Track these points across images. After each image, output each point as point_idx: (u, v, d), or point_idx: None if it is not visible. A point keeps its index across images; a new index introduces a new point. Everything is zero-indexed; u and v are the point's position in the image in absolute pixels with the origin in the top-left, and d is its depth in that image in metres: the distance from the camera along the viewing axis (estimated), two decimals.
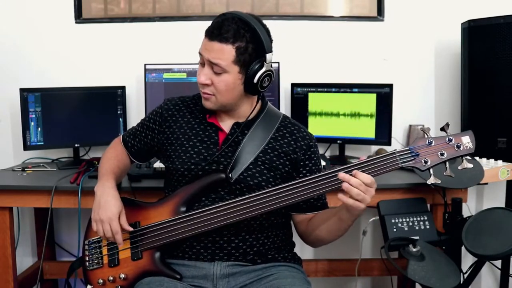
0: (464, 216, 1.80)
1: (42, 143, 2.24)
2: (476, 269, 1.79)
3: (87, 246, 1.45)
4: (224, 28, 1.28)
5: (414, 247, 1.63)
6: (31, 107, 2.20)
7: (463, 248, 1.69)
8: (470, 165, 1.20)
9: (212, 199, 1.36)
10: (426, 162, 1.20)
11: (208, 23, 1.34)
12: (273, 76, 1.37)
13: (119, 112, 2.34)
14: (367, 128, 2.26)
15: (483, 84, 2.14)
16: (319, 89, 2.31)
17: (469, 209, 2.22)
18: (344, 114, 2.29)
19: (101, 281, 1.39)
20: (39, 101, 2.21)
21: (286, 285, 1.29)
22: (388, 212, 1.81)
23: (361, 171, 1.20)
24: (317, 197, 1.41)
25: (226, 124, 1.42)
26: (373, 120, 2.25)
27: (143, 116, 2.31)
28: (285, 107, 2.42)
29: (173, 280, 1.32)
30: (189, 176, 1.38)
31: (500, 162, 1.93)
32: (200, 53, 1.34)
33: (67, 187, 1.87)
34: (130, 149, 1.58)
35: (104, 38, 2.46)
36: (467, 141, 1.20)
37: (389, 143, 2.25)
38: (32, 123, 2.21)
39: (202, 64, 1.35)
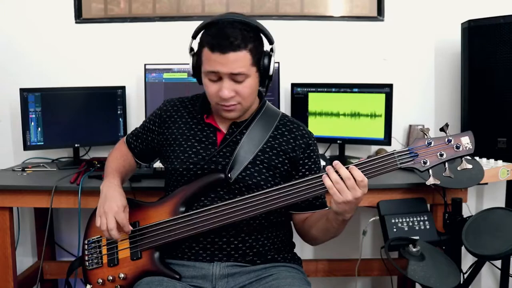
0: (464, 216, 1.80)
1: (42, 143, 2.24)
2: (476, 269, 1.78)
3: (86, 245, 1.45)
4: (231, 36, 1.25)
5: (414, 247, 1.63)
6: (31, 107, 2.20)
7: (463, 248, 1.69)
8: (470, 166, 1.19)
9: (211, 198, 1.36)
10: (425, 162, 1.20)
11: None
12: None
13: (119, 112, 2.34)
14: (367, 128, 2.26)
15: (483, 84, 2.14)
16: (319, 89, 2.31)
17: (469, 209, 2.22)
18: (344, 114, 2.29)
19: (101, 280, 1.39)
20: (39, 101, 2.21)
21: (286, 286, 1.29)
22: (388, 212, 1.81)
23: (361, 170, 1.19)
24: (315, 196, 1.40)
25: (224, 124, 1.43)
26: (374, 120, 2.25)
27: (143, 116, 2.33)
28: (285, 107, 2.42)
29: (173, 280, 1.32)
30: (187, 176, 1.39)
31: (500, 162, 1.93)
32: (211, 71, 1.29)
33: (67, 187, 1.87)
34: (133, 150, 1.59)
35: (104, 38, 2.46)
36: (466, 141, 1.20)
37: (389, 143, 2.25)
38: (32, 123, 2.21)
39: (212, 77, 1.31)
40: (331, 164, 2.03)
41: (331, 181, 1.18)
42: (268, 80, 1.37)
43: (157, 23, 2.45)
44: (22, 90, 2.18)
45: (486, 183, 1.94)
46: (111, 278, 1.38)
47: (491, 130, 2.09)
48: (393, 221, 1.79)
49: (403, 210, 1.82)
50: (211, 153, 1.39)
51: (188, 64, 1.40)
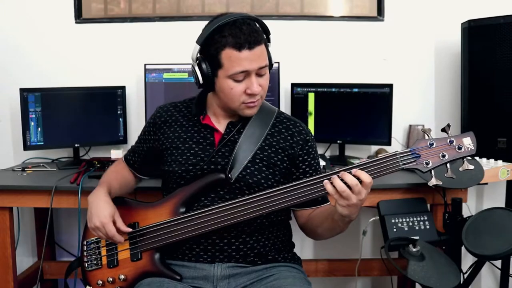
0: (464, 216, 1.80)
1: (42, 143, 2.24)
2: (476, 269, 1.79)
3: (85, 246, 1.45)
4: (253, 32, 1.27)
5: (414, 247, 1.63)
6: (31, 107, 2.20)
7: (463, 248, 1.69)
8: (472, 167, 1.20)
9: (211, 198, 1.36)
10: (427, 163, 1.20)
11: None
12: None
13: (119, 112, 2.34)
14: (367, 128, 2.26)
15: (483, 84, 2.14)
16: (319, 89, 2.31)
17: (469, 209, 2.22)
18: (344, 114, 2.29)
19: (100, 282, 1.39)
20: (39, 101, 2.21)
21: (287, 285, 1.29)
22: (388, 212, 1.81)
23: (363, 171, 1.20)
24: None
25: (221, 124, 1.42)
26: (374, 120, 2.25)
27: (143, 116, 2.33)
28: (285, 107, 2.42)
29: (173, 281, 1.32)
30: (187, 178, 1.38)
31: (500, 162, 1.93)
32: (241, 72, 1.27)
33: (67, 187, 1.87)
34: (132, 166, 1.59)
35: (104, 38, 2.46)
36: (468, 142, 1.20)
37: (389, 143, 2.25)
38: (32, 123, 2.21)
39: (239, 80, 1.29)
40: (331, 164, 2.04)
41: (336, 188, 1.17)
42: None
43: (157, 23, 2.45)
44: (22, 90, 2.18)
45: (486, 183, 1.94)
46: (111, 279, 1.38)
47: (491, 130, 2.09)
48: (393, 221, 1.79)
49: (403, 210, 1.82)
50: (209, 154, 1.38)
51: (188, 64, 1.39)
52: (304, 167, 1.43)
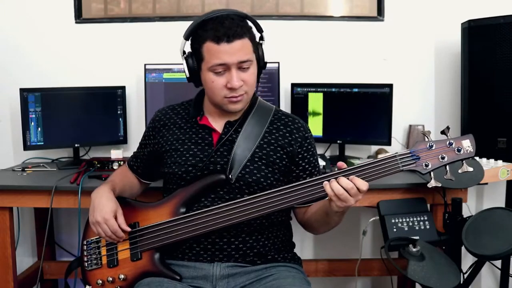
0: (464, 216, 1.80)
1: (42, 143, 2.24)
2: (476, 269, 1.79)
3: (85, 246, 1.45)
4: (232, 26, 1.28)
5: (414, 247, 1.63)
6: (31, 107, 2.20)
7: (463, 248, 1.69)
8: (471, 169, 1.20)
9: (211, 199, 1.36)
10: (427, 165, 1.21)
11: None
12: None
13: (119, 112, 2.34)
14: (367, 128, 2.26)
15: (483, 84, 2.14)
16: (319, 89, 2.31)
17: (469, 209, 2.22)
18: (344, 114, 2.29)
19: (100, 281, 1.39)
20: (39, 101, 2.21)
21: (286, 285, 1.29)
22: (388, 212, 1.81)
23: (363, 173, 1.20)
24: None
25: (218, 124, 1.42)
26: (373, 120, 2.25)
27: (143, 116, 2.33)
28: (285, 107, 2.42)
29: (173, 281, 1.32)
30: (187, 179, 1.38)
31: (500, 162, 1.93)
32: (218, 64, 1.29)
33: (67, 187, 1.87)
34: (136, 171, 1.60)
35: (104, 38, 2.46)
36: (467, 144, 1.21)
37: (389, 143, 2.25)
38: (32, 123, 2.21)
39: (219, 72, 1.31)
40: (331, 164, 2.05)
41: (333, 191, 1.18)
42: (263, 69, 1.41)
43: (157, 23, 2.45)
44: (22, 90, 2.18)
45: (486, 183, 1.94)
46: (110, 279, 1.38)
47: (491, 130, 2.09)
48: (393, 221, 1.79)
49: (403, 210, 1.82)
50: (208, 154, 1.38)
51: (183, 66, 1.40)
52: (303, 164, 1.43)
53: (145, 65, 2.30)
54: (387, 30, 2.46)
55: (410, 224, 1.79)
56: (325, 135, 2.32)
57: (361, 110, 2.26)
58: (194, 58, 1.36)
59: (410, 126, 2.41)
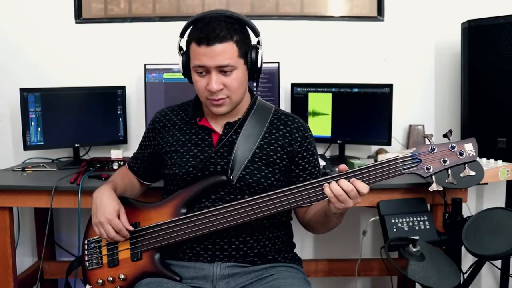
0: (464, 216, 1.80)
1: (42, 143, 2.24)
2: (476, 269, 1.78)
3: (86, 245, 1.45)
4: (216, 28, 1.28)
5: (414, 247, 1.63)
6: (31, 107, 2.20)
7: (463, 248, 1.69)
8: (473, 173, 1.20)
9: (212, 199, 1.36)
10: (428, 169, 1.20)
11: None
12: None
13: (119, 112, 2.34)
14: (367, 128, 2.26)
15: (483, 84, 2.14)
16: (319, 89, 2.31)
17: (469, 209, 2.22)
18: (344, 114, 2.29)
19: (100, 281, 1.39)
20: (39, 101, 2.21)
21: (286, 286, 1.29)
22: (388, 212, 1.81)
23: (364, 176, 1.20)
24: None
25: (218, 125, 1.42)
26: (373, 120, 2.25)
27: (143, 116, 2.33)
28: (285, 107, 2.42)
29: (173, 282, 1.32)
30: (187, 180, 1.38)
31: (500, 162, 1.93)
32: (198, 65, 1.31)
33: (67, 187, 1.87)
34: (137, 172, 1.60)
35: (104, 38, 2.46)
36: (470, 148, 1.20)
37: (389, 143, 2.25)
38: (32, 123, 2.21)
39: (201, 73, 1.33)
40: (331, 164, 2.05)
41: (332, 192, 1.19)
42: (257, 74, 1.39)
43: (157, 23, 2.45)
44: (22, 90, 2.18)
45: (486, 183, 1.94)
46: (111, 278, 1.38)
47: (491, 130, 2.09)
48: (393, 221, 1.79)
49: (403, 210, 1.82)
50: (208, 155, 1.38)
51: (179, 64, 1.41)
52: (303, 163, 1.43)
53: (145, 65, 2.30)
54: (387, 30, 2.46)
55: (410, 224, 1.79)
56: (325, 135, 2.31)
57: (361, 110, 2.26)
58: (185, 55, 1.38)
59: (410, 126, 2.41)
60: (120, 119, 2.35)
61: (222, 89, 1.32)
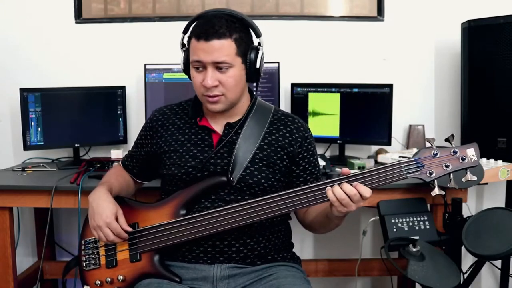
0: (464, 216, 1.80)
1: (42, 143, 2.24)
2: (476, 269, 1.78)
3: (83, 246, 1.44)
4: (216, 25, 1.28)
5: (414, 247, 1.63)
6: (31, 107, 2.20)
7: (463, 248, 1.69)
8: (475, 178, 1.21)
9: (212, 200, 1.36)
10: (431, 173, 1.21)
11: None
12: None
13: (119, 112, 2.34)
14: (366, 128, 2.26)
15: (483, 84, 2.14)
16: (319, 89, 2.31)
17: (469, 209, 2.22)
18: (344, 114, 2.29)
19: (99, 282, 1.38)
20: (39, 101, 2.21)
21: (286, 285, 1.29)
22: (388, 212, 1.81)
23: (366, 179, 1.21)
24: None
25: (218, 125, 1.42)
26: (373, 120, 2.25)
27: (143, 116, 2.33)
28: (285, 107, 2.42)
29: (172, 283, 1.32)
30: (186, 180, 1.38)
31: (500, 162, 1.93)
32: (196, 61, 1.31)
33: (67, 187, 1.87)
34: (131, 171, 1.59)
35: (104, 38, 2.46)
36: (472, 153, 1.21)
37: (389, 143, 2.25)
38: (32, 123, 2.21)
39: (198, 68, 1.33)
40: (331, 164, 2.04)
41: (335, 196, 1.19)
42: (257, 75, 1.38)
43: (157, 23, 2.45)
44: (22, 90, 2.18)
45: (486, 183, 1.94)
46: (109, 279, 1.37)
47: (491, 130, 2.09)
48: (393, 221, 1.79)
49: (403, 210, 1.82)
50: (208, 155, 1.38)
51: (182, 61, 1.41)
52: (304, 164, 1.43)
53: (145, 65, 2.30)
54: (387, 30, 2.46)
55: (410, 224, 1.79)
56: (325, 135, 2.31)
57: (361, 110, 2.26)
58: (187, 53, 1.38)
59: (410, 126, 2.41)
60: (120, 119, 2.35)
61: (217, 85, 1.32)
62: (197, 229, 1.31)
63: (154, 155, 1.48)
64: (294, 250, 1.51)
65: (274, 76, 2.28)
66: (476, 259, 1.77)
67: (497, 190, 2.41)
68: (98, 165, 2.11)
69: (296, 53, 2.45)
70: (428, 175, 1.21)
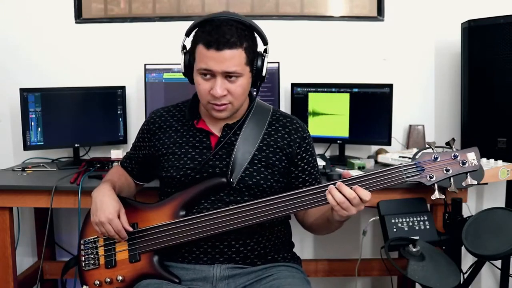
0: (464, 216, 1.80)
1: (42, 143, 2.24)
2: (476, 269, 1.78)
3: (83, 246, 1.44)
4: (227, 34, 1.25)
5: (414, 247, 1.63)
6: (31, 107, 2.20)
7: (463, 248, 1.69)
8: (475, 182, 1.21)
9: (211, 201, 1.36)
10: (431, 177, 1.21)
11: None
12: None
13: (119, 112, 2.34)
14: (366, 128, 2.26)
15: (483, 84, 2.14)
16: (319, 89, 2.31)
17: (469, 209, 2.21)
18: (344, 114, 2.29)
19: (98, 282, 1.38)
20: (39, 101, 2.21)
21: (286, 285, 1.29)
22: (388, 212, 1.81)
23: (367, 183, 1.21)
24: None
25: (216, 127, 1.42)
26: (373, 120, 2.25)
27: (143, 116, 2.33)
28: (285, 107, 2.42)
29: (172, 284, 1.32)
30: (185, 182, 1.38)
31: (500, 162, 1.93)
32: (204, 69, 1.28)
33: (67, 187, 1.87)
34: (131, 172, 1.59)
35: (104, 38, 2.46)
36: (472, 158, 1.21)
37: (389, 143, 2.25)
38: (32, 123, 2.21)
39: (205, 75, 1.30)
40: (331, 164, 2.05)
41: (335, 200, 1.19)
42: (260, 81, 1.37)
43: (157, 23, 2.45)
44: (22, 90, 2.18)
45: (486, 183, 1.94)
46: (108, 280, 1.37)
47: (491, 130, 2.09)
48: (393, 221, 1.79)
49: (403, 210, 1.82)
50: (207, 157, 1.38)
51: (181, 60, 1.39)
52: (302, 164, 1.43)
53: (145, 65, 2.30)
54: (387, 30, 2.46)
55: (410, 224, 1.79)
56: (325, 135, 2.31)
57: (361, 110, 2.26)
58: (190, 57, 1.35)
59: (410, 126, 2.41)
60: (120, 119, 2.35)
61: (226, 95, 1.31)
62: (197, 230, 1.31)
63: (153, 158, 1.47)
64: (294, 250, 1.51)
65: (274, 76, 2.28)
66: (476, 259, 1.77)
67: (497, 190, 2.41)
68: (98, 165, 2.11)
69: (296, 53, 2.45)
70: (428, 179, 1.21)
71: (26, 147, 2.21)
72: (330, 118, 2.30)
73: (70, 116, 2.27)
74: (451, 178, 1.21)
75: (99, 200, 1.36)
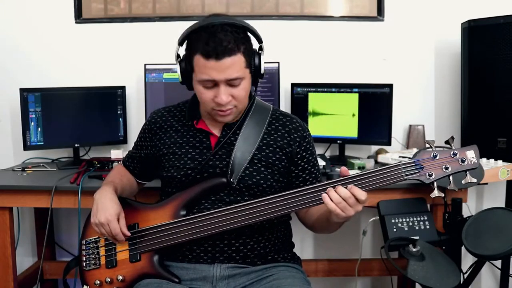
0: (464, 216, 1.80)
1: (42, 143, 2.24)
2: (476, 269, 1.78)
3: (84, 246, 1.45)
4: (224, 41, 1.23)
5: (414, 247, 1.63)
6: (31, 107, 2.20)
7: (463, 248, 1.69)
8: (474, 180, 1.21)
9: (211, 201, 1.36)
10: (430, 175, 1.21)
11: None
12: None
13: (119, 112, 2.34)
14: (366, 128, 2.26)
15: (483, 84, 2.14)
16: (319, 89, 2.31)
17: (469, 209, 2.22)
18: (344, 114, 2.29)
19: (98, 282, 1.38)
20: (39, 101, 2.21)
21: (286, 285, 1.29)
22: (388, 212, 1.81)
23: (366, 181, 1.21)
24: None
25: (215, 128, 1.42)
26: (373, 120, 2.25)
27: (143, 116, 2.33)
28: (285, 107, 2.42)
29: (172, 283, 1.32)
30: (186, 182, 1.38)
31: (500, 162, 1.93)
32: (206, 80, 1.27)
33: (67, 187, 1.87)
34: (133, 171, 1.59)
35: (104, 38, 2.46)
36: (471, 155, 1.21)
37: (389, 143, 2.25)
38: (32, 123, 2.21)
39: (208, 87, 1.29)
40: (331, 164, 2.05)
41: (332, 201, 1.19)
42: (260, 78, 1.38)
43: (157, 23, 2.45)
44: (22, 90, 2.18)
45: (486, 183, 1.94)
46: (108, 279, 1.37)
47: (491, 130, 2.09)
48: (393, 221, 1.79)
49: (403, 210, 1.82)
50: (207, 157, 1.38)
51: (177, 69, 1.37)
52: (303, 164, 1.43)
53: (145, 65, 2.30)
54: (387, 30, 2.46)
55: (410, 224, 1.79)
56: (325, 135, 2.31)
57: (361, 110, 2.26)
58: (187, 65, 1.32)
59: (410, 126, 2.41)
60: (120, 119, 2.35)
61: (230, 100, 1.30)
62: (197, 229, 1.31)
63: (154, 157, 1.48)
64: (294, 250, 1.51)
65: (274, 76, 2.28)
66: (476, 259, 1.77)
67: (497, 190, 2.41)
68: (98, 165, 2.11)
69: (296, 53, 2.45)
70: (427, 177, 1.21)
71: (26, 147, 2.21)
72: (330, 118, 2.30)
73: (70, 116, 2.27)
74: (450, 176, 1.21)
75: (100, 202, 1.37)
